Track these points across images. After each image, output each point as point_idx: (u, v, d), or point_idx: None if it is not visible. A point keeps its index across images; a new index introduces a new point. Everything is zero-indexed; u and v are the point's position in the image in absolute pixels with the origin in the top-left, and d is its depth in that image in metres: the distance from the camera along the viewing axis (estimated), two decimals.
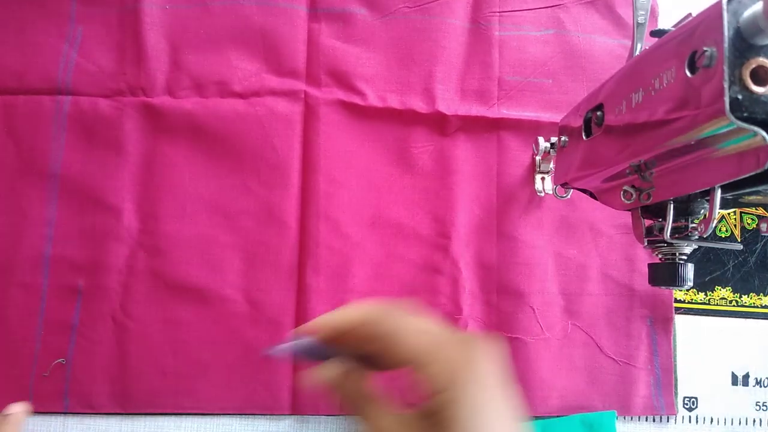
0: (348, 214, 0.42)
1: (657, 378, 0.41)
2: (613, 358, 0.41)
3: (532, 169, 0.43)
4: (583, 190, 0.34)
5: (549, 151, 0.38)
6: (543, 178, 0.42)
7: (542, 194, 0.42)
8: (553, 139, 0.37)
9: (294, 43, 0.43)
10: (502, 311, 0.41)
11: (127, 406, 0.39)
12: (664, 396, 0.41)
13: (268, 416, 0.40)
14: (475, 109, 0.43)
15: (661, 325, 0.42)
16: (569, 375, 0.41)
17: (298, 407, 0.40)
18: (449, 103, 0.42)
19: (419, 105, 0.42)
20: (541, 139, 0.38)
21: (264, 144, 0.42)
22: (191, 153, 0.42)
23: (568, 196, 0.41)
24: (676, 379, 0.42)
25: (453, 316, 0.41)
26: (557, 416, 0.40)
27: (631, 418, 0.41)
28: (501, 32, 0.44)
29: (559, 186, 0.36)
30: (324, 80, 0.42)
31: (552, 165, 0.41)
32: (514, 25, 0.44)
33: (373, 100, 0.42)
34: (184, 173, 0.41)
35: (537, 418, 0.40)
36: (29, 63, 0.42)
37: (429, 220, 0.42)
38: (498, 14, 0.43)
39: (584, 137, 0.30)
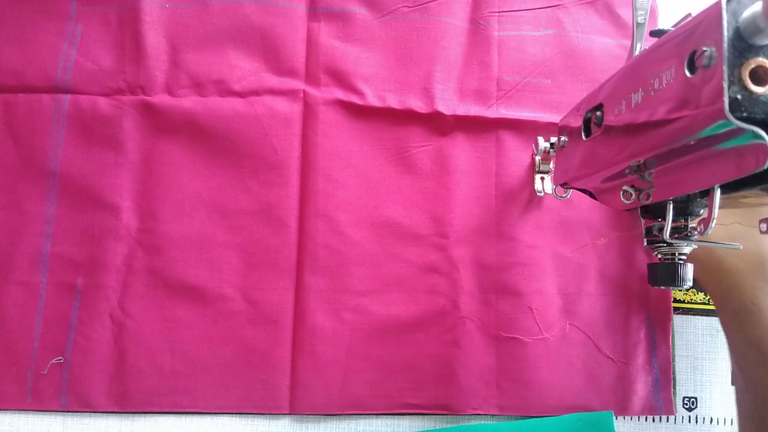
0: (347, 213, 0.42)
1: (655, 378, 0.41)
2: (612, 358, 0.41)
3: (532, 169, 0.43)
4: (583, 190, 0.34)
5: (548, 151, 0.38)
6: (542, 178, 0.42)
7: (542, 194, 0.42)
8: (553, 139, 0.37)
9: (293, 43, 0.42)
10: (501, 311, 0.41)
11: (125, 405, 0.39)
12: (662, 396, 0.41)
13: (266, 415, 0.40)
14: (474, 109, 0.42)
15: (659, 325, 0.42)
16: (567, 375, 0.41)
17: (296, 407, 0.40)
18: (448, 103, 0.42)
19: (418, 105, 0.42)
20: (540, 139, 0.38)
21: (263, 143, 0.42)
22: (190, 152, 0.42)
23: (568, 196, 0.41)
24: (674, 379, 0.42)
25: (451, 315, 0.41)
26: (555, 416, 0.40)
27: (631, 418, 0.41)
28: (500, 32, 0.44)
29: (558, 186, 0.36)
30: (323, 80, 0.42)
31: (552, 165, 0.41)
32: (514, 25, 0.44)
33: (372, 99, 0.42)
34: (182, 172, 0.41)
35: (534, 417, 0.40)
36: (28, 61, 0.42)
37: (428, 220, 0.42)
38: (497, 14, 0.43)
39: (584, 137, 0.30)
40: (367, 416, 0.41)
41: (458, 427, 0.40)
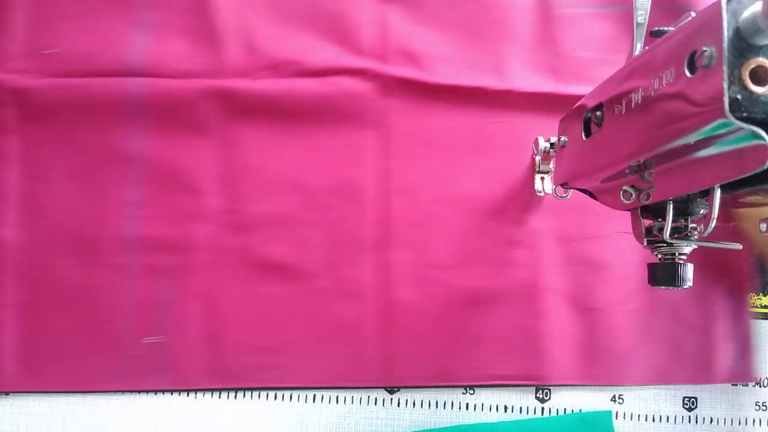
0: (425, 189, 0.42)
1: (736, 346, 0.42)
2: (693, 328, 0.42)
3: (532, 169, 0.43)
4: (583, 190, 0.34)
5: (548, 151, 0.38)
6: (543, 178, 0.42)
7: (542, 194, 0.42)
8: (553, 139, 0.37)
9: (364, 24, 0.43)
10: (584, 283, 0.42)
11: (220, 382, 0.40)
12: (743, 364, 0.42)
13: (356, 389, 0.41)
14: (545, 86, 0.43)
15: (738, 294, 0.42)
16: (651, 345, 0.42)
17: (386, 379, 0.41)
18: (520, 81, 0.43)
19: (490, 82, 0.43)
20: (540, 139, 0.38)
21: (340, 122, 0.42)
22: (270, 133, 0.42)
23: (568, 196, 0.41)
24: (755, 346, 0.42)
25: (535, 287, 0.41)
26: (639, 384, 0.41)
27: (630, 418, 0.41)
28: (567, 9, 0.44)
29: (558, 186, 0.36)
30: (395, 59, 0.43)
31: (552, 165, 0.41)
32: (580, 2, 0.44)
33: (444, 78, 0.43)
34: (264, 153, 0.42)
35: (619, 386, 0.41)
36: (103, 46, 0.42)
37: (507, 194, 0.42)
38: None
39: (584, 137, 0.30)
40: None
41: (458, 427, 0.41)
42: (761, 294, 0.43)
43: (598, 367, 0.41)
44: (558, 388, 0.42)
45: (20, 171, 0.42)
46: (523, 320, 0.41)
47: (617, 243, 0.42)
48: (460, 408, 0.41)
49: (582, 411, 0.41)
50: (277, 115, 0.42)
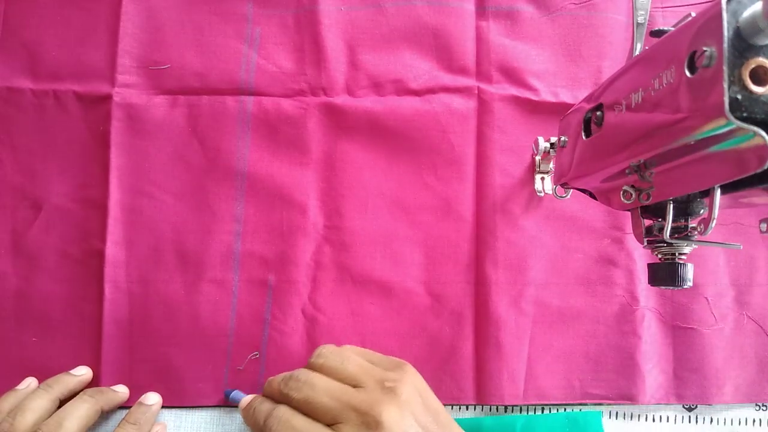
0: (523, 207, 0.42)
1: None
2: None
3: (532, 169, 0.43)
4: (583, 190, 0.34)
5: (548, 151, 0.38)
6: (543, 178, 0.42)
7: (542, 194, 0.42)
8: (553, 139, 0.37)
9: (463, 41, 0.43)
10: (678, 302, 0.42)
11: None
12: None
13: (451, 406, 0.41)
14: None
15: None
16: (741, 364, 0.42)
17: (482, 397, 0.41)
18: None
19: None
20: (540, 139, 0.38)
21: (440, 140, 0.43)
22: (371, 150, 0.43)
23: (568, 196, 0.41)
24: None
25: (630, 307, 0.42)
26: (727, 403, 0.41)
27: (631, 418, 0.41)
28: (665, 27, 0.44)
29: (558, 186, 0.36)
30: (495, 76, 0.43)
31: (551, 165, 0.41)
32: (678, 19, 0.44)
33: (546, 95, 0.43)
34: (364, 170, 0.43)
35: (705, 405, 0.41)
36: (210, 64, 0.43)
37: (602, 212, 0.42)
38: (661, 9, 0.44)
39: (584, 137, 0.30)
40: None
41: None
42: None
43: (689, 386, 0.41)
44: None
45: (124, 186, 0.42)
46: (617, 339, 0.41)
47: (709, 262, 0.42)
48: (454, 408, 0.41)
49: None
50: (379, 132, 0.43)
